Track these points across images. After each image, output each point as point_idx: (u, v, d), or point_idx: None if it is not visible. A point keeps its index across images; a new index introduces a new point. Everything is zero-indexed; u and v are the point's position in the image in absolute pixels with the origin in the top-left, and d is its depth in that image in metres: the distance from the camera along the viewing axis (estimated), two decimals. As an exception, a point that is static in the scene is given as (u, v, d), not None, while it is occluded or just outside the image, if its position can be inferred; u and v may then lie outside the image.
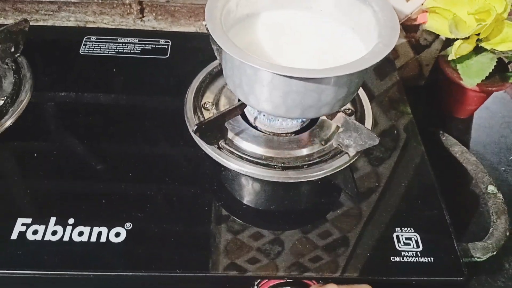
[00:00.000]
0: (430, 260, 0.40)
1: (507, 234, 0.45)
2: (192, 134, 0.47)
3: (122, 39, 0.58)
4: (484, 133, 0.64)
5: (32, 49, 0.54)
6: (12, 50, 0.52)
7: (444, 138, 0.57)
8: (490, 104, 0.66)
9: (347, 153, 0.47)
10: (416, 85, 0.70)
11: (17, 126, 0.47)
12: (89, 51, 0.56)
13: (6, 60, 0.51)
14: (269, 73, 0.40)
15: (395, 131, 0.51)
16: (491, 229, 0.46)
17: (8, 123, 0.47)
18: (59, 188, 0.43)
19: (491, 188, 0.49)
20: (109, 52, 0.56)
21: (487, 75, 0.55)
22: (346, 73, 0.39)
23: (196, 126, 0.43)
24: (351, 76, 0.41)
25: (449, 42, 0.61)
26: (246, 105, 0.47)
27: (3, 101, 0.48)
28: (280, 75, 0.39)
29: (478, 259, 0.44)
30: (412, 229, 0.42)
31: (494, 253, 0.44)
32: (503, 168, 0.59)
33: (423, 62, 0.68)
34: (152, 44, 0.58)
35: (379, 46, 0.41)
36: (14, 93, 0.49)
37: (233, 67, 0.43)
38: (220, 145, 0.46)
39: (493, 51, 0.56)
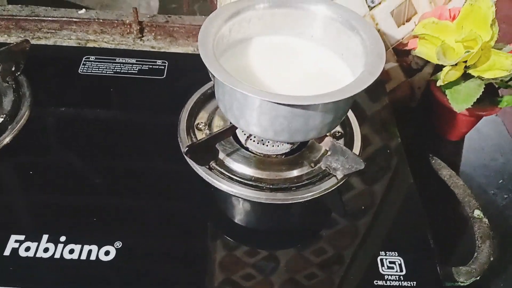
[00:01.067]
0: (412, 285, 0.41)
1: (491, 259, 0.46)
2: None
3: (121, 59, 0.60)
4: (475, 156, 0.65)
5: (33, 68, 0.56)
6: (13, 69, 0.54)
7: (433, 161, 0.58)
8: (481, 126, 0.67)
9: (335, 176, 0.48)
10: (408, 107, 0.71)
11: (15, 143, 0.49)
12: (88, 71, 0.58)
13: (7, 79, 0.53)
14: (257, 99, 0.41)
15: (383, 155, 0.52)
16: (476, 253, 0.47)
17: (7, 140, 0.49)
18: (53, 205, 0.44)
19: (477, 213, 0.50)
20: (107, 72, 0.58)
21: (475, 100, 0.57)
22: (331, 101, 0.40)
23: (187, 148, 0.44)
24: (337, 103, 0.42)
25: (439, 66, 0.62)
26: (236, 128, 0.48)
27: (2, 119, 0.50)
28: (268, 101, 0.40)
29: (462, 284, 0.44)
30: (396, 252, 0.43)
31: (478, 278, 0.45)
32: (492, 191, 0.60)
33: (415, 85, 0.69)
34: (149, 64, 0.59)
35: (364, 74, 0.42)
36: (13, 110, 0.51)
37: (224, 92, 0.45)
38: (211, 166, 0.47)
39: (481, 78, 0.57)
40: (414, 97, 0.70)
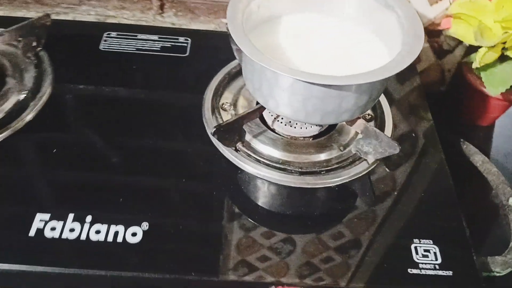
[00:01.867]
0: (449, 274, 0.39)
1: (527, 249, 0.45)
2: (210, 135, 0.47)
3: (142, 36, 0.58)
4: (506, 142, 0.63)
5: (53, 44, 0.54)
6: (34, 44, 0.52)
7: (465, 146, 0.56)
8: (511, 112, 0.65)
9: (365, 160, 0.46)
10: (437, 91, 0.68)
11: (37, 120, 0.48)
12: (109, 47, 0.56)
13: (28, 54, 0.52)
14: (289, 78, 0.39)
15: (415, 138, 0.50)
16: (511, 243, 0.45)
17: (29, 117, 0.47)
18: (78, 183, 0.43)
19: (512, 201, 0.48)
20: (129, 49, 0.56)
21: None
22: (368, 81, 0.38)
23: (215, 129, 0.43)
24: (373, 84, 0.41)
25: (472, 48, 0.60)
26: (264, 108, 0.46)
27: (24, 95, 0.48)
28: (301, 81, 0.39)
29: (497, 274, 0.43)
30: (431, 241, 0.41)
31: (514, 268, 0.43)
32: (524, 179, 0.58)
33: (445, 67, 0.66)
34: (172, 41, 0.58)
35: (402, 54, 0.40)
36: (35, 87, 0.49)
37: (254, 70, 0.43)
38: (237, 147, 0.46)
39: (519, 60, 0.55)
40: (444, 80, 0.67)
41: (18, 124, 0.46)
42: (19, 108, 0.47)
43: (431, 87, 0.68)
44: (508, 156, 0.61)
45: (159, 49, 0.57)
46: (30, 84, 0.49)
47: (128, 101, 0.51)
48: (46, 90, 0.50)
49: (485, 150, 0.61)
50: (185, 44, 0.57)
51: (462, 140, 0.57)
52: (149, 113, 0.50)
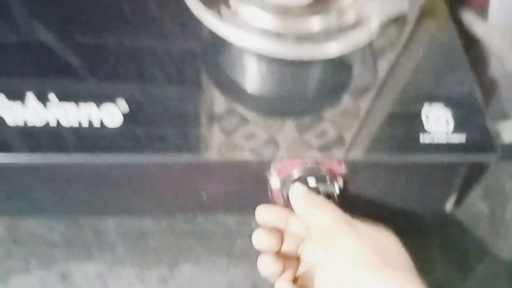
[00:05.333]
0: (461, 139, 0.36)
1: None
2: (189, 2, 0.39)
3: None
4: (502, 15, 0.59)
5: None
6: None
7: (465, 15, 0.51)
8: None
9: (368, 23, 0.41)
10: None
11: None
12: None
13: None
14: None
15: (421, 3, 0.45)
16: (520, 108, 0.43)
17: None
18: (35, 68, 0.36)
19: (519, 66, 0.45)
20: None
21: None
22: None
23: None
24: None
25: None
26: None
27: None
28: None
29: (507, 141, 0.41)
30: (442, 103, 0.37)
31: (523, 134, 0.41)
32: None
33: None
34: None
35: None
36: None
37: None
38: (220, 13, 0.39)
39: None
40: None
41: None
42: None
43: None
44: (506, 29, 0.57)
45: None
46: None
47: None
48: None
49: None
50: None
51: (460, 8, 0.52)
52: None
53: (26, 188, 0.36)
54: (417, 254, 0.37)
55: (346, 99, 0.38)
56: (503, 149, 0.44)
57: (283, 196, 0.36)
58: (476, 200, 0.45)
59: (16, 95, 0.33)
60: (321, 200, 0.33)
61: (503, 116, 0.45)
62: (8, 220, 0.39)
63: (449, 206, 0.41)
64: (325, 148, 0.35)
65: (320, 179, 0.35)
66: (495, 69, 0.50)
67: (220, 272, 0.38)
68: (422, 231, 0.43)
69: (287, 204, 0.35)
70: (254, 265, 0.38)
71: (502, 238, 0.43)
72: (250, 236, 0.40)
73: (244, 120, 0.36)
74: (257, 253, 0.36)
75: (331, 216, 0.32)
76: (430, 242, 0.42)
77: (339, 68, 0.41)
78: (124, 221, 0.40)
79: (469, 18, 0.51)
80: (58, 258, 0.38)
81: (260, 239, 0.34)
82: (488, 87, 0.50)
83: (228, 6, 0.39)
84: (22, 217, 0.39)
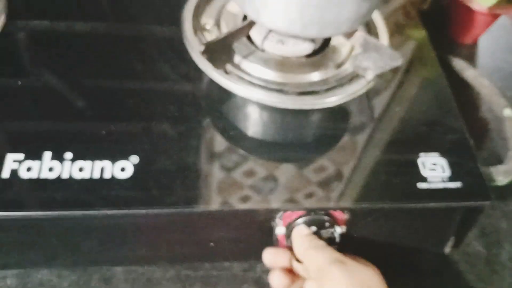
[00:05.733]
0: (457, 185, 0.38)
1: (526, 156, 0.44)
2: (195, 57, 0.42)
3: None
4: (490, 58, 0.62)
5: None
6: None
7: (455, 62, 0.54)
8: (493, 30, 0.64)
9: (364, 76, 0.43)
10: (418, 10, 0.66)
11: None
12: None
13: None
14: (287, -18, 0.35)
15: (410, 53, 0.48)
16: (510, 152, 0.45)
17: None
18: (50, 119, 0.38)
19: (508, 112, 0.47)
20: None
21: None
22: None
23: (204, 47, 0.38)
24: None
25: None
26: (254, 24, 0.42)
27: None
28: (302, -17, 0.34)
29: (500, 183, 0.43)
30: (437, 153, 0.39)
31: (515, 176, 0.43)
32: (509, 94, 0.57)
33: (427, -16, 0.63)
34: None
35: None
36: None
37: (243, -23, 0.38)
38: (227, 69, 0.42)
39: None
40: (426, -1, 0.65)
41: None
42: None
43: (414, 6, 0.64)
44: (494, 73, 0.60)
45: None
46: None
47: (99, 28, 0.45)
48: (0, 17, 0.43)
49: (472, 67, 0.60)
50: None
51: (451, 56, 0.55)
52: (124, 41, 0.44)
53: (37, 240, 0.37)
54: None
55: (345, 146, 0.40)
56: (497, 190, 0.46)
57: (287, 242, 0.37)
58: (473, 239, 0.46)
59: (35, 155, 0.35)
60: (318, 243, 0.36)
61: (496, 157, 0.47)
62: (19, 271, 0.40)
63: (447, 248, 0.42)
64: (326, 197, 0.36)
65: (322, 226, 0.36)
66: (485, 111, 0.53)
67: (227, 318, 0.39)
68: (421, 272, 0.44)
69: (290, 248, 0.37)
70: (260, 310, 0.39)
71: (499, 277, 0.44)
72: (255, 281, 0.41)
73: (250, 171, 0.37)
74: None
75: (325, 256, 0.34)
76: (429, 283, 0.43)
77: (338, 116, 0.43)
78: (131, 268, 0.41)
79: (460, 64, 0.54)
80: (68, 307, 0.38)
81: (278, 280, 0.37)
82: (480, 128, 0.52)
83: (232, 62, 0.42)
84: (33, 268, 0.40)
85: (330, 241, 0.37)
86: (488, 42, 0.65)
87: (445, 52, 0.58)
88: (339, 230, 0.37)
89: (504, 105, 0.48)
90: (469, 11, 0.58)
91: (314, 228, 0.37)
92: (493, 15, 0.59)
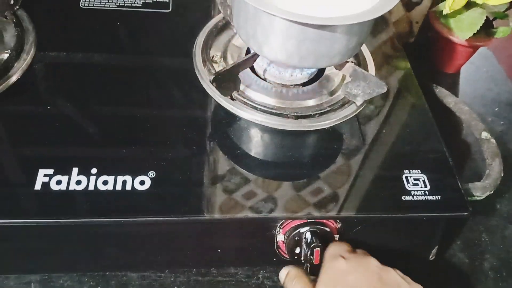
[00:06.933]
0: (437, 198, 0.43)
1: (502, 174, 0.49)
2: (205, 85, 0.47)
3: (122, -8, 0.57)
4: (471, 87, 0.68)
5: (31, 1, 0.52)
6: (12, 2, 0.50)
7: (438, 90, 0.60)
8: (475, 60, 0.70)
9: (354, 102, 0.49)
10: (406, 42, 0.72)
11: (24, 79, 0.46)
12: (89, 4, 0.54)
13: (5, 13, 0.50)
14: (285, 21, 0.41)
15: (396, 81, 0.53)
16: (487, 170, 0.49)
17: (14, 78, 0.46)
18: (77, 138, 0.43)
19: (485, 134, 0.53)
20: (110, 6, 0.55)
21: (478, 28, 0.58)
22: (363, 20, 0.40)
23: (213, 76, 0.44)
24: (362, 25, 0.43)
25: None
26: (258, 56, 0.48)
27: (7, 55, 0.47)
28: (297, 23, 0.40)
29: (478, 198, 0.47)
30: (419, 170, 0.44)
31: (492, 192, 0.48)
32: (490, 119, 0.63)
33: (413, 19, 0.70)
34: (152, -3, 0.57)
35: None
36: (17, 47, 0.48)
37: (247, 17, 0.44)
38: (233, 96, 0.47)
39: (483, 6, 0.59)
40: (412, 32, 0.71)
41: (5, 84, 0.45)
42: (4, 68, 0.46)
43: (401, 39, 0.71)
44: (475, 99, 0.66)
45: (140, 5, 0.56)
46: (12, 43, 0.48)
47: (118, 60, 0.50)
48: (30, 50, 0.48)
49: (454, 94, 0.65)
50: (167, 0, 0.57)
51: (434, 85, 0.61)
52: (140, 71, 0.50)
53: (61, 247, 0.42)
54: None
55: (338, 164, 0.45)
56: (479, 206, 0.51)
57: (287, 249, 0.41)
58: (457, 251, 0.50)
59: (64, 170, 0.40)
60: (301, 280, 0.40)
61: (476, 175, 0.52)
62: (42, 276, 0.44)
63: (432, 256, 0.46)
64: (322, 208, 0.41)
65: (320, 234, 0.41)
66: (466, 135, 0.58)
67: (232, 319, 0.43)
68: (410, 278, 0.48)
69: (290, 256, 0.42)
70: (262, 313, 0.43)
71: (483, 285, 0.48)
72: (257, 286, 0.45)
73: (253, 186, 0.42)
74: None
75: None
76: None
77: (331, 137, 0.48)
78: (146, 275, 0.45)
79: (442, 92, 0.60)
80: (88, 310, 0.42)
81: None
82: (461, 150, 0.57)
83: (238, 90, 0.47)
84: (55, 273, 0.44)
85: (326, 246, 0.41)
86: (470, 71, 0.71)
87: (430, 80, 0.63)
88: (334, 237, 0.42)
89: (482, 129, 0.53)
90: (451, 43, 0.64)
91: (312, 236, 0.41)
92: (473, 47, 0.65)
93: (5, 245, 0.40)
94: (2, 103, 0.45)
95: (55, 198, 0.38)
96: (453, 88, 0.67)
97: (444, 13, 0.58)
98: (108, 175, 0.40)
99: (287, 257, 0.43)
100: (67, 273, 0.44)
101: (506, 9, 0.62)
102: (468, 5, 0.59)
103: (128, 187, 0.40)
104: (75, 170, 0.40)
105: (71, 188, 0.39)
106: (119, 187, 0.39)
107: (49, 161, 0.40)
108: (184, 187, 0.41)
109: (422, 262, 0.48)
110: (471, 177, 0.53)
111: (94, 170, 0.40)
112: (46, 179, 0.39)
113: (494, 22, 0.65)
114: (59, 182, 0.39)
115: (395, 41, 0.59)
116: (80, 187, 0.39)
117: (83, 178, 0.40)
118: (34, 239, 0.40)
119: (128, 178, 0.40)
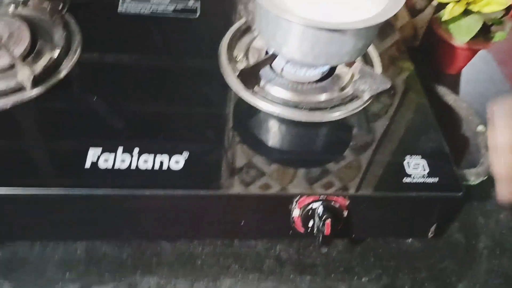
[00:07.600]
0: (435, 180, 0.48)
1: (494, 163, 0.55)
2: (229, 81, 0.54)
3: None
4: (471, 87, 0.73)
5: (76, 7, 0.59)
6: (60, 7, 0.57)
7: (439, 89, 0.65)
8: (475, 62, 0.75)
9: (362, 97, 0.55)
10: (411, 46, 0.78)
11: (72, 74, 0.53)
12: (126, 11, 0.62)
13: (55, 17, 0.57)
14: (301, 26, 0.47)
15: (400, 81, 0.59)
16: (482, 159, 0.55)
17: (64, 73, 0.53)
18: (123, 122, 0.50)
19: (480, 128, 0.58)
20: (144, 12, 0.62)
21: (475, 34, 0.64)
22: (366, 26, 0.46)
23: (240, 71, 0.50)
24: (369, 29, 0.49)
25: (440, 7, 0.69)
26: (276, 55, 0.54)
27: (57, 53, 0.54)
28: (311, 27, 0.46)
29: (472, 183, 0.53)
30: (420, 156, 0.50)
31: (485, 178, 0.53)
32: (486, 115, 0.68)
33: (417, 25, 0.76)
34: (182, 3, 0.64)
35: (390, 5, 0.49)
36: (66, 46, 0.55)
37: (268, 22, 0.50)
38: (254, 90, 0.53)
39: (479, 13, 0.65)
40: (417, 36, 0.77)
41: (56, 77, 0.52)
42: (56, 63, 0.53)
43: (406, 43, 0.77)
44: (475, 97, 0.72)
45: (171, 11, 0.63)
46: (61, 43, 0.55)
47: (151, 60, 0.57)
48: (77, 49, 0.55)
49: (455, 93, 0.71)
50: (195, 7, 0.64)
51: (436, 84, 0.66)
52: (173, 70, 0.57)
53: (104, 217, 0.48)
54: (407, 275, 0.49)
55: (347, 150, 0.51)
56: (475, 191, 0.56)
57: (302, 222, 0.47)
58: (455, 232, 0.56)
59: (111, 149, 0.46)
60: None
61: (472, 165, 0.58)
62: (87, 243, 0.50)
63: (430, 233, 0.52)
64: (333, 187, 0.47)
65: (330, 209, 0.47)
66: (464, 129, 0.64)
67: (252, 285, 0.49)
68: (411, 254, 0.53)
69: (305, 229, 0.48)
70: (279, 280, 0.49)
71: (477, 262, 0.54)
72: (275, 258, 0.51)
73: (275, 168, 0.48)
74: (281, 271, 0.48)
75: None
76: (418, 263, 0.53)
77: (341, 127, 0.54)
78: (177, 245, 0.51)
79: (442, 91, 0.65)
80: (127, 273, 0.49)
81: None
82: (460, 142, 0.63)
83: (258, 85, 0.54)
84: (98, 240, 0.50)
85: (337, 222, 0.47)
86: (471, 72, 0.76)
87: (432, 81, 0.69)
88: (344, 213, 0.47)
89: (478, 123, 0.59)
90: (451, 47, 0.70)
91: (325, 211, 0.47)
92: (472, 50, 0.71)
93: (58, 215, 0.47)
94: (54, 94, 0.51)
95: (103, 173, 0.45)
96: (455, 87, 0.73)
97: (444, 19, 0.64)
98: (149, 154, 0.46)
99: (301, 231, 0.49)
100: (109, 241, 0.50)
101: (502, 16, 0.68)
102: (466, 12, 0.65)
103: (165, 166, 0.46)
104: (120, 149, 0.47)
105: (116, 166, 0.46)
106: (157, 166, 0.46)
107: (97, 141, 0.47)
108: (212, 167, 0.47)
109: (422, 240, 0.53)
110: (467, 165, 0.58)
111: (136, 150, 0.47)
112: (95, 157, 0.46)
113: (492, 27, 0.71)
114: (106, 160, 0.46)
115: (400, 44, 0.65)
116: (124, 165, 0.46)
117: (127, 157, 0.46)
118: (79, 210, 0.47)
119: (165, 157, 0.47)
